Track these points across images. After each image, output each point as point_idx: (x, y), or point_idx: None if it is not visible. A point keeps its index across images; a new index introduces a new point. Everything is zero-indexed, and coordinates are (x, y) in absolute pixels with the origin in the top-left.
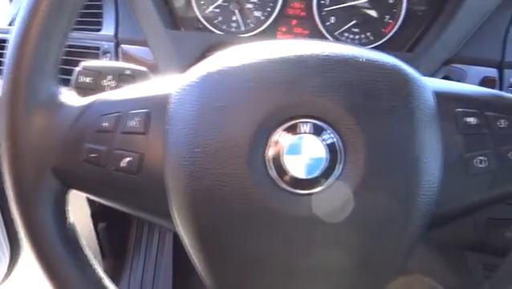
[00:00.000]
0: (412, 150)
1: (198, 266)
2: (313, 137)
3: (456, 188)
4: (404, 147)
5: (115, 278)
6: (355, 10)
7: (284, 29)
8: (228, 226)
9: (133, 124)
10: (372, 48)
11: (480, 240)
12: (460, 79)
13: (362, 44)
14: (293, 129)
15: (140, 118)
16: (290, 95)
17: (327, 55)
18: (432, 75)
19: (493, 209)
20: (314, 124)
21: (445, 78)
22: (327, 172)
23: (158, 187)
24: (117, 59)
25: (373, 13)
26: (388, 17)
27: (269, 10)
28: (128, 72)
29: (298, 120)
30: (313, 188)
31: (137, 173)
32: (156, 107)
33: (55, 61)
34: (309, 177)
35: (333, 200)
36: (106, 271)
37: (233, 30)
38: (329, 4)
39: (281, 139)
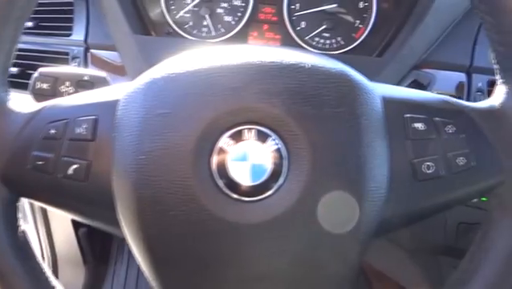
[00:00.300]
0: (357, 156)
1: (147, 274)
2: (258, 144)
3: (404, 193)
4: (349, 153)
5: (97, 284)
6: (326, 15)
7: (255, 34)
8: (173, 233)
9: (81, 130)
10: (343, 53)
11: (450, 244)
12: (429, 83)
13: (333, 49)
14: (237, 136)
15: (88, 125)
16: (233, 102)
17: (271, 62)
18: (402, 79)
19: (463, 214)
20: (259, 131)
21: (414, 82)
22: (272, 179)
23: (106, 194)
24: (86, 64)
25: (343, 18)
26: (358, 22)
27: (239, 14)
28: (86, 78)
29: (242, 127)
30: (258, 194)
31: (85, 181)
32: (104, 114)
33: (3, 68)
34: (254, 183)
35: (278, 206)
36: (88, 277)
37: (204, 35)
38: (299, 9)
39: (225, 146)
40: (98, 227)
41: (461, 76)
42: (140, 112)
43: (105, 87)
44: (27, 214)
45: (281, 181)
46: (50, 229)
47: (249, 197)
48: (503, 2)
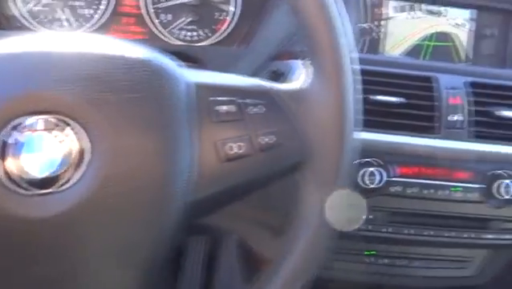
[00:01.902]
0: (158, 140)
1: None
2: (46, 134)
3: (212, 175)
4: (149, 137)
5: None
6: (189, 8)
7: (118, 27)
8: None
9: None
10: (209, 44)
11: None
12: (288, 72)
13: (197, 41)
14: (25, 126)
15: None
16: (18, 90)
17: (68, 49)
18: (259, 69)
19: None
20: (49, 120)
21: (274, 72)
22: (69, 169)
23: None
24: None
25: (206, 10)
26: (217, 14)
27: (102, 7)
28: None
29: (29, 117)
30: (50, 187)
31: None
32: None
33: None
34: (44, 175)
35: (74, 197)
36: None
37: (63, 28)
38: (161, 1)
39: (9, 138)
40: None
41: None
42: None
43: None
44: None
45: (75, 170)
46: None
47: (41, 189)
48: (294, 3)
